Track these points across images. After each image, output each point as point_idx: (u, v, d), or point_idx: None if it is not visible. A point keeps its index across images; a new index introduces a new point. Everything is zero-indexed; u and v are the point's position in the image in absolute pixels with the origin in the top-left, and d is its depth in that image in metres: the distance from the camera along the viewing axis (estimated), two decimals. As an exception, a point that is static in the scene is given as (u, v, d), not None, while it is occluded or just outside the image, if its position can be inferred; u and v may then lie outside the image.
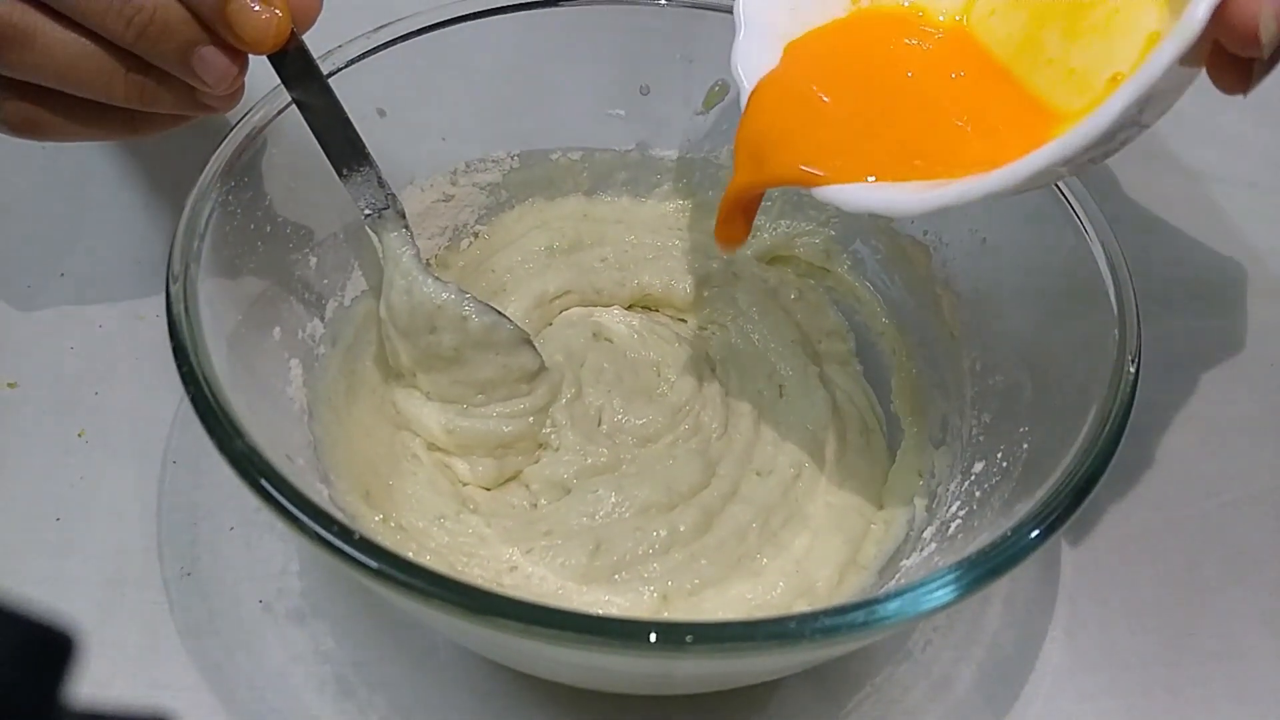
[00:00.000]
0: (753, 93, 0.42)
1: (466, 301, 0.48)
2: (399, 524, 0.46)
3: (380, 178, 0.46)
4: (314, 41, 0.44)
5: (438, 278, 0.48)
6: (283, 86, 0.44)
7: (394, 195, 0.47)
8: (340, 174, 0.46)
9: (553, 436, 0.50)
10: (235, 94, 0.44)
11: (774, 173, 0.41)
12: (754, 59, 0.43)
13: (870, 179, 0.38)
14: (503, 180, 0.56)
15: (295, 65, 0.44)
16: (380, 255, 0.48)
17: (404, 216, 0.48)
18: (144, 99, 0.43)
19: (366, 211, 0.47)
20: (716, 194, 0.58)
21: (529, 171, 0.56)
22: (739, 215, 0.44)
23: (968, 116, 0.39)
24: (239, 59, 0.42)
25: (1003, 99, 0.40)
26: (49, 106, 0.44)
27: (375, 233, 0.48)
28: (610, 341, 0.55)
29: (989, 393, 0.48)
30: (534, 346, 0.50)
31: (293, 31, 0.42)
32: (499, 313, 0.49)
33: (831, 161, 0.39)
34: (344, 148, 0.45)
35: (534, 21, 0.53)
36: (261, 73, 0.44)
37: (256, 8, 0.41)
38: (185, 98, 0.43)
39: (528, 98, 0.55)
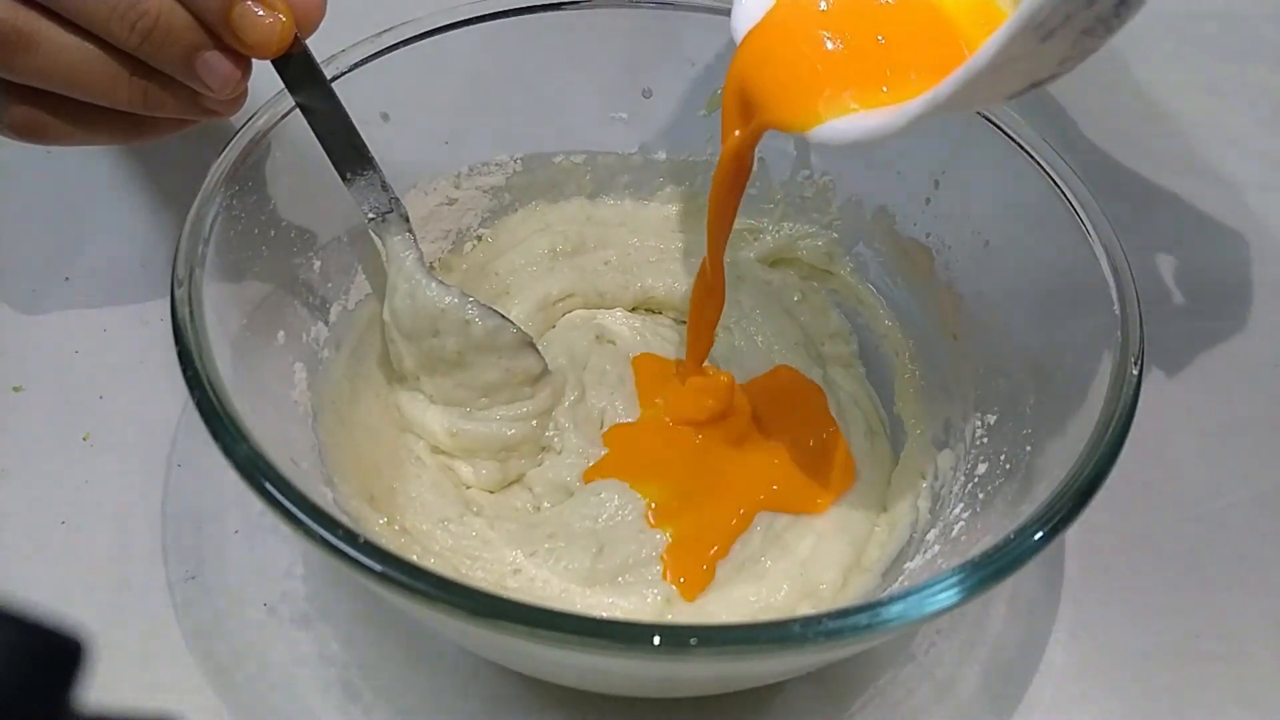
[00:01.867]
0: (743, 40, 0.41)
1: (469, 305, 0.48)
2: (403, 527, 0.46)
3: (384, 181, 0.46)
4: (317, 46, 0.44)
5: (441, 281, 0.48)
6: (286, 91, 0.45)
7: (397, 199, 0.47)
8: (344, 178, 0.46)
9: (555, 439, 0.50)
10: (238, 98, 0.44)
11: (764, 118, 0.40)
12: (753, 16, 0.42)
13: (852, 108, 0.37)
14: (506, 184, 0.56)
15: (299, 70, 0.44)
16: (384, 259, 0.49)
17: (407, 220, 0.48)
18: (147, 103, 0.43)
19: (370, 215, 0.47)
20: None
21: (532, 175, 0.57)
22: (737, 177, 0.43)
23: (951, 38, 0.38)
24: (242, 63, 0.42)
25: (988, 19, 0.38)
26: (53, 110, 0.44)
27: (379, 237, 0.48)
28: (613, 344, 0.55)
29: (992, 395, 0.48)
30: (537, 350, 0.50)
31: (296, 36, 0.42)
32: (502, 316, 0.49)
33: (815, 99, 0.38)
34: (347, 152, 0.46)
35: (537, 25, 0.53)
36: (265, 77, 0.44)
37: (260, 12, 0.41)
38: (189, 102, 0.43)
39: (531, 101, 0.55)
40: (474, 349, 0.48)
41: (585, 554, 0.45)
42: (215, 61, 0.41)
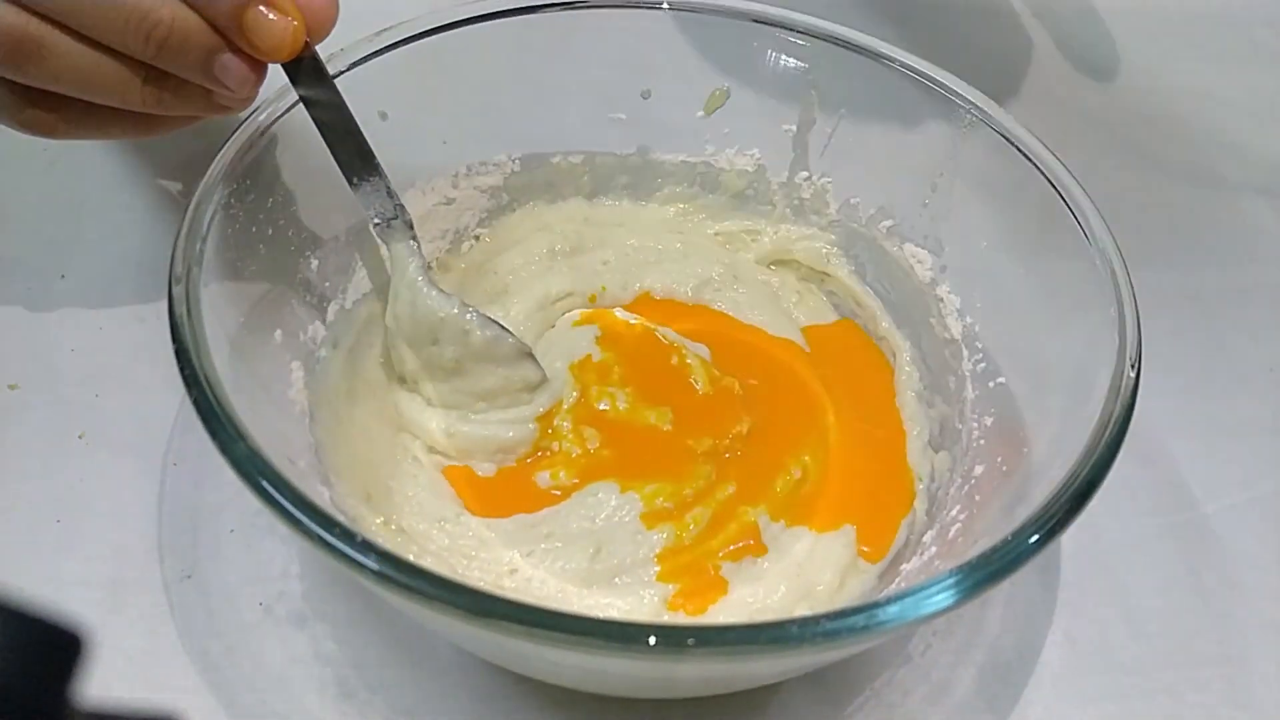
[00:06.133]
0: None
1: (469, 315, 0.48)
2: (400, 526, 0.46)
3: (389, 188, 0.46)
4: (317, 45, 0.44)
5: (442, 290, 0.48)
6: (294, 92, 0.45)
7: (402, 205, 0.47)
8: (350, 183, 0.46)
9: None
10: (252, 95, 0.44)
11: None
12: None
13: None
14: (504, 183, 0.56)
15: (309, 74, 0.44)
16: (387, 263, 0.49)
17: (412, 227, 0.48)
18: (162, 104, 0.43)
19: (375, 221, 0.47)
20: (718, 197, 0.58)
21: (530, 175, 0.57)
22: None
23: None
24: (258, 64, 0.42)
25: None
26: (67, 112, 0.44)
27: (383, 242, 0.48)
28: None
29: (989, 396, 0.48)
30: (535, 359, 0.50)
31: (307, 41, 0.42)
32: (501, 326, 0.49)
33: None
34: (355, 157, 0.46)
35: (535, 25, 0.53)
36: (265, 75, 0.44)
37: (273, 16, 0.41)
38: (202, 100, 0.44)
39: (529, 101, 0.55)
40: (473, 358, 0.48)
41: (582, 554, 0.45)
42: (232, 64, 0.42)
